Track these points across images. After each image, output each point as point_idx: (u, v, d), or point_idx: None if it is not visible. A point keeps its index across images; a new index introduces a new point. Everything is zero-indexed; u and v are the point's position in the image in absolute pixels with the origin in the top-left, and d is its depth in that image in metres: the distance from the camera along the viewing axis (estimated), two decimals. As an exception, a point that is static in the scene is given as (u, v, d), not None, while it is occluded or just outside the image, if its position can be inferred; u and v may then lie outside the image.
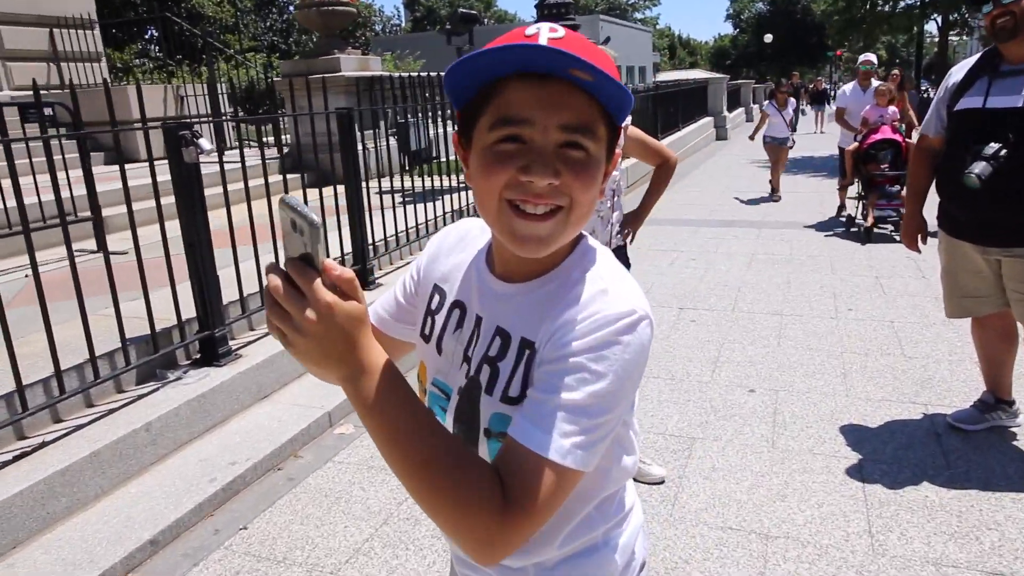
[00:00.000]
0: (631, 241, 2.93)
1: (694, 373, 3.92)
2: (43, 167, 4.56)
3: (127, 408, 3.03)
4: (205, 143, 3.08)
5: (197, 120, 4.26)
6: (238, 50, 16.20)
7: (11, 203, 4.65)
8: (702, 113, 18.66)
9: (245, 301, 3.80)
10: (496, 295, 0.87)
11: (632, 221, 2.87)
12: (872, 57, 8.14)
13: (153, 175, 3.19)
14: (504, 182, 0.74)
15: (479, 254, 0.94)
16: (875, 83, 7.67)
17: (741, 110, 25.02)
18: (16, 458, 2.63)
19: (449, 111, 6.68)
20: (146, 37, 23.09)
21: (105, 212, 5.04)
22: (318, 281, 0.63)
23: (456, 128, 0.85)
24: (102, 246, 4.95)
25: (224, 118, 8.03)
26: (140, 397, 3.14)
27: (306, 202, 4.23)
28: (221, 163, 3.54)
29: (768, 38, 48.77)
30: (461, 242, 0.99)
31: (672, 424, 3.33)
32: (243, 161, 3.67)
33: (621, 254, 2.81)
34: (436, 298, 0.96)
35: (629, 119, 2.82)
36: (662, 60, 63.80)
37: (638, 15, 68.13)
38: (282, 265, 0.65)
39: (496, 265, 0.88)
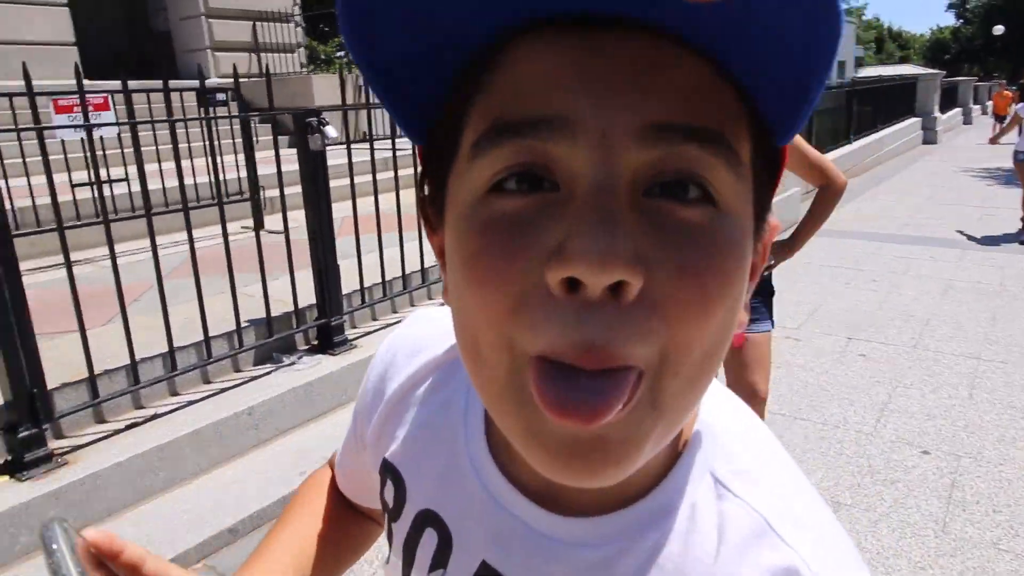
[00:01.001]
0: (773, 267, 2.43)
1: (852, 420, 3.31)
2: (226, 148, 4.89)
3: (237, 389, 3.07)
4: (331, 131, 3.03)
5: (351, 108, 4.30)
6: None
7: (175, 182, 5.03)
8: (908, 113, 16.61)
9: (368, 291, 3.76)
10: (533, 539, 0.44)
11: (781, 250, 2.36)
12: None
13: (278, 162, 3.20)
14: (513, 300, 0.32)
15: (463, 417, 0.50)
16: None
17: (957, 111, 22.03)
18: (128, 427, 2.73)
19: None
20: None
21: (270, 193, 5.31)
22: None
23: (418, 184, 0.42)
24: (259, 226, 5.23)
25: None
26: (252, 379, 3.17)
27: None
28: (349, 151, 3.51)
29: (999, 30, 42.68)
30: (423, 383, 0.54)
31: (813, 480, 2.79)
32: (372, 150, 3.62)
33: (762, 281, 2.35)
34: (389, 488, 0.54)
35: None
36: (866, 54, 58.23)
37: (842, 4, 62.77)
38: None
39: (518, 461, 0.42)
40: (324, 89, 9.38)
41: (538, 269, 0.31)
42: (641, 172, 0.32)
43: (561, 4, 0.31)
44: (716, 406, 0.46)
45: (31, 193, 4.47)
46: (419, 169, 0.42)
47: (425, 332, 0.57)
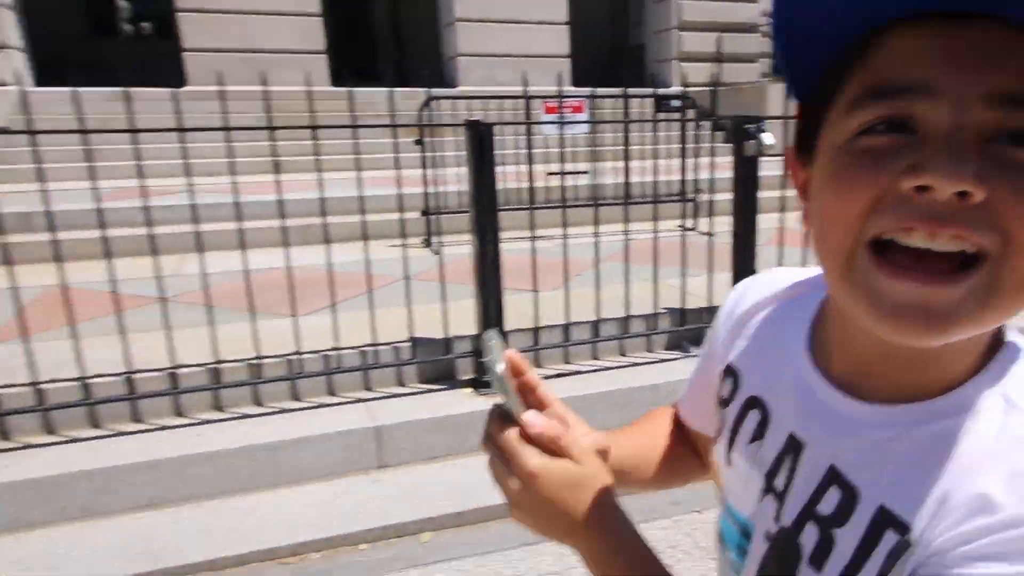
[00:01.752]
0: None
1: None
2: (675, 152, 5.35)
3: (647, 366, 3.39)
4: (767, 138, 3.09)
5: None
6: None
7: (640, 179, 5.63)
8: None
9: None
10: (832, 417, 0.55)
11: None
12: None
13: (711, 168, 3.39)
14: (869, 200, 0.43)
15: (794, 330, 0.62)
16: None
17: None
18: (556, 375, 3.29)
19: None
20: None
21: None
22: (514, 441, 0.56)
23: (795, 134, 0.54)
24: (694, 226, 5.57)
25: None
26: (662, 360, 3.46)
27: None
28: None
29: None
30: (767, 308, 0.69)
31: None
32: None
33: None
34: (727, 384, 0.69)
35: None
36: None
37: None
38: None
39: (833, 359, 0.56)
40: (779, 99, 9.28)
41: (894, 181, 0.42)
42: (986, 127, 0.41)
43: (934, 3, 0.42)
44: (1022, 342, 0.51)
45: (519, 178, 5.56)
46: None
47: (776, 277, 0.72)
